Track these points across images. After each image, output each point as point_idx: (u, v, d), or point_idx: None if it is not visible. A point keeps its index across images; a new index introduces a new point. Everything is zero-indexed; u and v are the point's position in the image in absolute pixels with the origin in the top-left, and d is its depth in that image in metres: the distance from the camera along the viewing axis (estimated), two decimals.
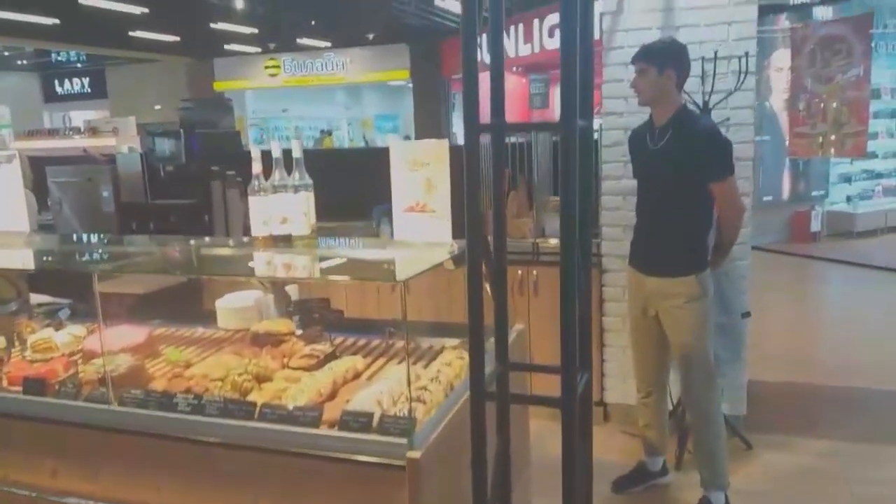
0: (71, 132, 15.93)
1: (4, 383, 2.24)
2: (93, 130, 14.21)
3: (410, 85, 18.20)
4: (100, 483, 1.98)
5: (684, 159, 2.77)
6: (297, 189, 2.23)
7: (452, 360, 2.13)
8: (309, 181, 2.27)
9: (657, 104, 2.85)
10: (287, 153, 2.26)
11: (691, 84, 3.07)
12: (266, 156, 2.24)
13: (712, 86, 3.30)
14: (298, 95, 20.74)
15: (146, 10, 11.76)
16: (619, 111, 3.64)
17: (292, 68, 18.94)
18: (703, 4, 3.44)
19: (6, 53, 18.53)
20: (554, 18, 10.41)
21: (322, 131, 20.77)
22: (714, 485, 3.00)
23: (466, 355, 1.80)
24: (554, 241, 3.96)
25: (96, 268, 2.34)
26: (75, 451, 2.02)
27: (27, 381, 2.14)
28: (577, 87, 1.51)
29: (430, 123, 17.26)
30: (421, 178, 1.96)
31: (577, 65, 1.51)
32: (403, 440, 1.63)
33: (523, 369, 2.37)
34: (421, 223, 2.01)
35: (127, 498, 1.94)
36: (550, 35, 10.37)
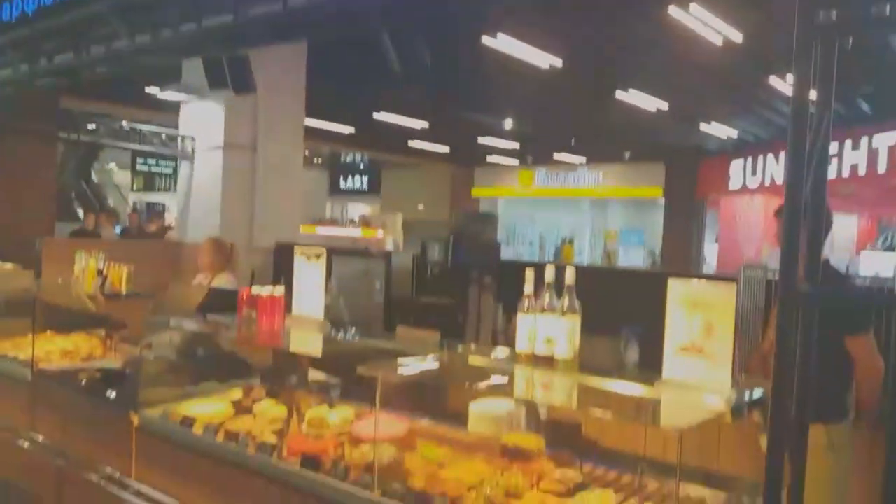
0: (348, 222, 18.25)
1: (284, 452, 2.52)
2: (366, 223, 16.12)
3: (661, 200, 17.93)
4: None
5: None
6: (564, 313, 2.29)
7: None
8: (577, 307, 2.31)
9: None
10: (560, 273, 2.34)
11: None
12: (539, 273, 2.33)
13: None
14: (547, 204, 21.52)
15: (426, 125, 13.30)
16: None
17: (545, 180, 19.82)
18: None
19: (307, 153, 21.89)
20: None
21: (563, 240, 21.17)
22: None
23: None
24: None
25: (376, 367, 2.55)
26: None
27: (305, 457, 2.40)
28: None
29: (679, 244, 16.72)
30: (700, 320, 1.89)
31: None
32: None
33: None
34: (695, 367, 1.92)
35: None
36: None
